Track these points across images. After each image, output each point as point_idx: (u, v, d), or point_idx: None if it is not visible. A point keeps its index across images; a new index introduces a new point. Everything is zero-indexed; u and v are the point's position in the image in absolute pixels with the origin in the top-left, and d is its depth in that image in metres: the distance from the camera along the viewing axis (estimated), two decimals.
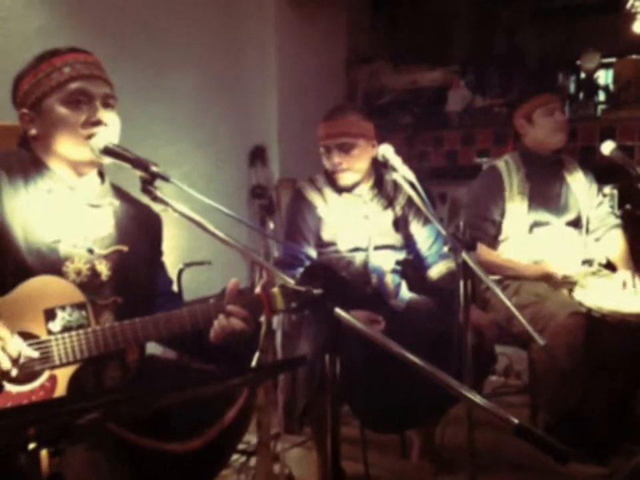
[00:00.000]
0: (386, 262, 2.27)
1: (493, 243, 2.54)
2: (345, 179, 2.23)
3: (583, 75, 3.60)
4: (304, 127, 3.50)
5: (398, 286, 2.29)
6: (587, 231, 2.62)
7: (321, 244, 2.25)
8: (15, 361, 1.24)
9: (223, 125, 3.30)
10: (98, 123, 1.42)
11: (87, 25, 2.65)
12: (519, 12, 4.18)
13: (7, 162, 1.42)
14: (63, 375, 1.31)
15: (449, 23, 4.22)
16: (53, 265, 1.38)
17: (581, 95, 3.51)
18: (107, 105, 1.46)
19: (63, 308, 1.33)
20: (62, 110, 1.42)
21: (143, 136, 2.82)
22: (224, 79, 3.30)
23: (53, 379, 1.30)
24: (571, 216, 2.58)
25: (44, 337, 1.31)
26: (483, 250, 2.49)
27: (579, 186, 2.62)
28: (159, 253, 1.65)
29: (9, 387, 1.28)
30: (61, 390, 1.30)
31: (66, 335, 1.31)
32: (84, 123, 1.42)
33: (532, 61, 3.97)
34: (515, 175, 2.55)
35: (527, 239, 2.52)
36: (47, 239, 1.39)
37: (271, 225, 3.31)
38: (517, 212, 2.52)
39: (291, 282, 1.23)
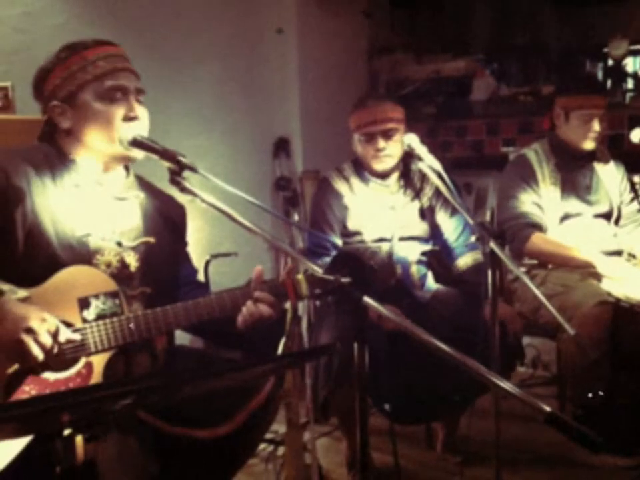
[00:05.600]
0: (411, 253, 2.26)
1: (543, 228, 2.45)
2: (385, 163, 2.21)
3: (610, 62, 3.53)
4: (326, 118, 3.50)
5: (424, 277, 2.28)
6: (617, 223, 2.58)
7: (346, 233, 2.26)
8: (54, 337, 1.26)
9: (245, 118, 3.31)
10: (135, 118, 1.45)
11: (109, 20, 2.67)
12: None
13: (34, 157, 1.44)
14: (99, 362, 1.34)
15: (469, 11, 4.16)
16: (83, 258, 1.40)
17: (609, 83, 3.45)
18: (138, 100, 1.49)
19: (96, 296, 1.35)
20: (98, 105, 1.43)
21: (165, 130, 2.83)
22: (246, 72, 3.31)
23: (89, 366, 1.33)
24: (601, 208, 2.54)
25: (79, 325, 1.34)
26: (539, 238, 2.39)
27: (610, 178, 2.58)
28: (183, 243, 1.67)
29: (47, 375, 1.30)
30: (97, 376, 1.33)
31: (100, 322, 1.34)
32: (124, 119, 1.44)
33: (555, 49, 3.90)
34: (545, 165, 2.50)
35: (557, 230, 2.48)
36: (77, 233, 1.42)
37: (295, 217, 3.32)
38: (549, 202, 2.48)
39: (318, 270, 1.23)
